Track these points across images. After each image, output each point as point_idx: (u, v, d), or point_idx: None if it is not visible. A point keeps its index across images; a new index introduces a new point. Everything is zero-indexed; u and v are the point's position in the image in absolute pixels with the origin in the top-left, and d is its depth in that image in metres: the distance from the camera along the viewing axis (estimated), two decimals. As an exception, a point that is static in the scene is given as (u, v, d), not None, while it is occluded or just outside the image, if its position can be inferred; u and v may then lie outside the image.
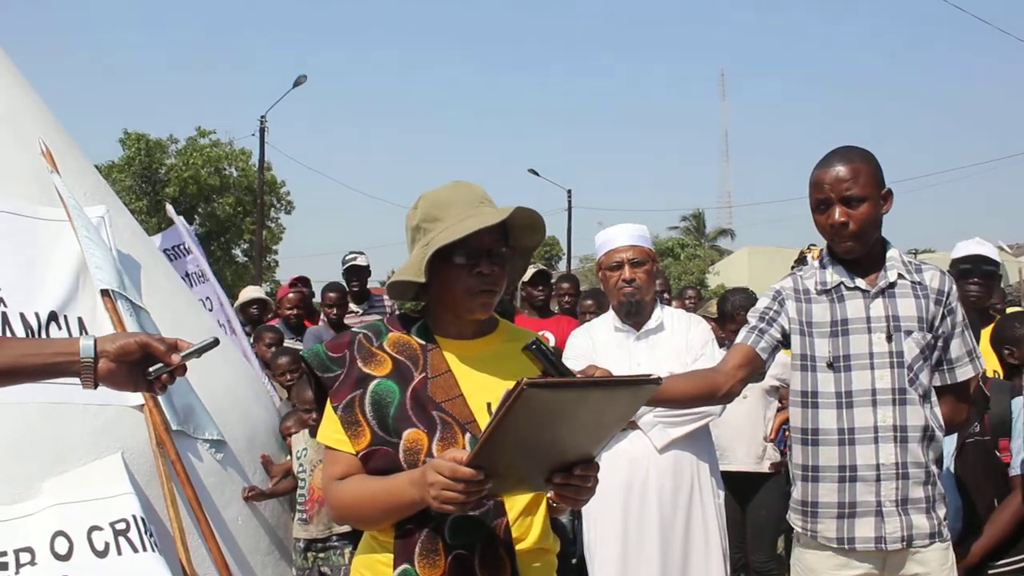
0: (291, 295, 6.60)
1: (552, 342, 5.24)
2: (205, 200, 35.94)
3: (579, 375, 1.85)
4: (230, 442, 3.76)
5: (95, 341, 1.68)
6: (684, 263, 38.63)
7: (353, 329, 2.01)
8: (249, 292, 7.50)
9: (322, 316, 6.46)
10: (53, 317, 3.35)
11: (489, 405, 1.88)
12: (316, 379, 1.93)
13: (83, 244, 3.60)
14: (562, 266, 48.17)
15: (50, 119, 4.18)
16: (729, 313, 4.87)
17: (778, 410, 4.77)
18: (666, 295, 6.14)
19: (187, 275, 5.20)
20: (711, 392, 2.65)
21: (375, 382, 1.89)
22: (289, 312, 6.46)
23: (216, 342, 1.73)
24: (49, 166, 3.77)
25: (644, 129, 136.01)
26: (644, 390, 1.61)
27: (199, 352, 1.72)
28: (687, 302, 6.91)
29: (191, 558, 3.18)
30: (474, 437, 1.82)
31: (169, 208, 5.44)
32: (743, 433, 4.72)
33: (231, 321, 5.13)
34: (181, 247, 5.25)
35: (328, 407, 1.90)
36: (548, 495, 1.88)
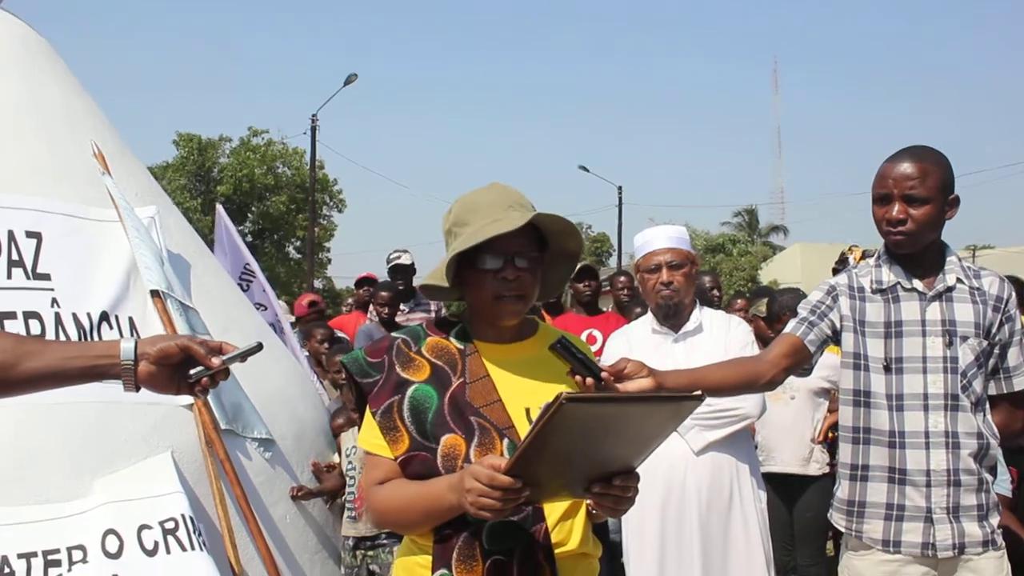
0: (310, 316, 6.85)
1: (599, 341, 5.20)
2: (258, 199, 36.50)
3: (607, 369, 1.84)
4: (278, 441, 3.79)
5: (136, 343, 1.67)
6: (736, 259, 38.25)
7: (392, 334, 2.01)
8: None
9: (370, 314, 6.49)
10: (104, 317, 3.39)
11: (528, 411, 1.87)
12: (356, 384, 1.93)
13: (133, 245, 3.65)
14: (612, 262, 48.05)
15: (103, 121, 4.24)
16: (776, 313, 4.78)
17: (830, 411, 4.67)
18: (716, 292, 6.02)
19: (240, 277, 5.24)
20: (752, 380, 2.57)
21: (413, 387, 1.89)
22: (307, 322, 6.59)
23: (260, 347, 1.73)
24: (101, 167, 3.82)
25: (696, 124, 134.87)
26: (686, 406, 1.58)
27: (242, 356, 1.71)
28: (738, 313, 6.69)
29: (239, 556, 3.20)
30: (512, 443, 1.81)
31: (219, 209, 5.49)
32: (790, 434, 4.62)
33: (280, 320, 5.17)
34: (247, 268, 5.27)
35: (368, 412, 1.90)
36: (587, 502, 1.86)
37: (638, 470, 1.68)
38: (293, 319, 7.46)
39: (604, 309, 6.23)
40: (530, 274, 1.91)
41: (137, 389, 1.69)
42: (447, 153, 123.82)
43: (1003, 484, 3.18)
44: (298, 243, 38.38)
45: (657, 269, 3.46)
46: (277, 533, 3.61)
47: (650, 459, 1.67)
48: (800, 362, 2.64)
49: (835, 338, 2.66)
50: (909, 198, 2.47)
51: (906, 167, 2.48)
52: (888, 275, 2.60)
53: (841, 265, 6.21)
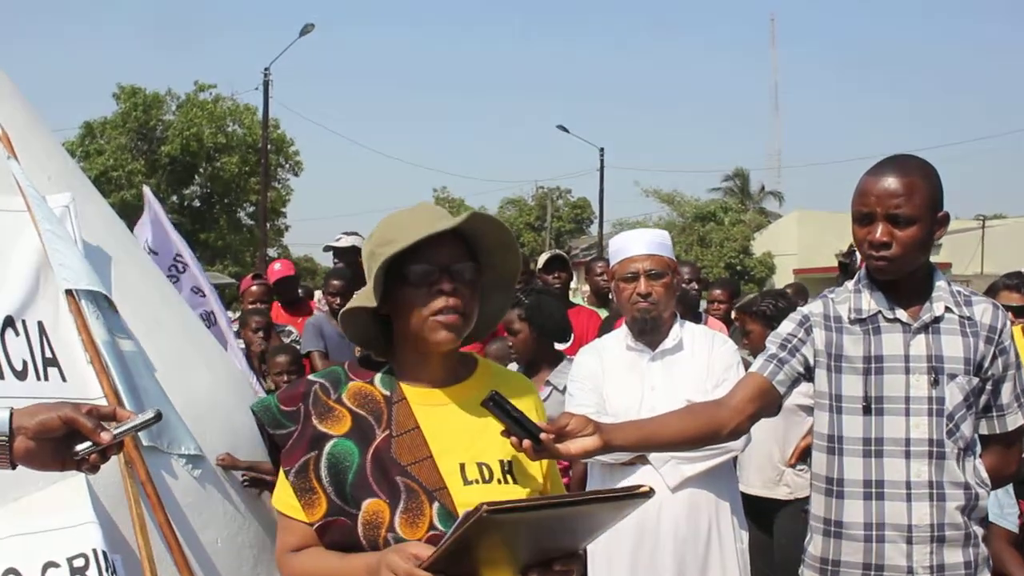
0: (254, 288, 6.54)
1: (570, 339, 5.14)
2: (207, 159, 36.15)
3: (547, 428, 1.78)
4: (209, 455, 3.69)
5: (11, 415, 1.59)
6: (727, 228, 38.33)
7: (310, 378, 1.92)
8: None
9: (317, 304, 6.38)
10: (9, 323, 3.27)
11: (463, 467, 1.79)
12: (269, 437, 1.85)
13: (45, 238, 3.52)
14: (593, 230, 48.09)
15: (11, 96, 4.08)
16: (746, 307, 4.78)
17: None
18: (694, 285, 5.96)
19: (171, 267, 5.10)
20: (714, 432, 2.48)
21: (331, 443, 1.80)
22: (252, 306, 6.36)
23: (158, 417, 1.63)
24: (6, 151, 3.68)
25: (685, 81, 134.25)
26: (631, 503, 1.51)
27: (136, 429, 1.63)
28: (716, 305, 6.67)
29: (161, 591, 3.12)
30: (443, 508, 1.73)
31: (147, 191, 5.35)
32: (758, 452, 4.50)
33: (215, 313, 5.04)
34: (179, 257, 5.12)
35: (281, 472, 1.82)
36: None
37: (584, 558, 1.62)
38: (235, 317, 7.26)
39: (578, 301, 6.17)
40: (467, 288, 1.83)
41: (13, 467, 1.61)
42: (416, 114, 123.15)
43: (1009, 518, 3.14)
44: (251, 208, 38.10)
45: (634, 278, 3.36)
46: (207, 560, 3.53)
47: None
48: (769, 405, 2.57)
49: (808, 375, 2.58)
50: (894, 218, 2.38)
51: (890, 183, 2.39)
52: (868, 303, 2.52)
53: (848, 259, 6.05)
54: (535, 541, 1.53)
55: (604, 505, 1.53)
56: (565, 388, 3.66)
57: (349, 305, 1.88)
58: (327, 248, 6.80)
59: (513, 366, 4.37)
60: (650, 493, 1.53)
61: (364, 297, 1.84)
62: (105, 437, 1.59)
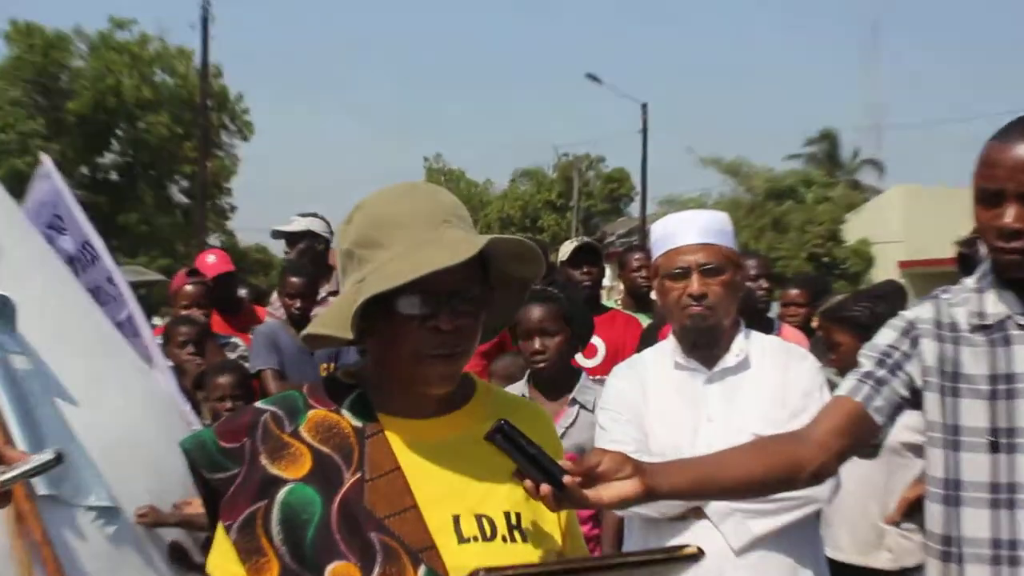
0: (189, 287, 6.48)
1: (601, 352, 5.14)
2: (128, 118, 36.39)
3: (572, 470, 1.78)
4: (127, 507, 3.72)
5: None
6: (810, 208, 38.33)
7: (258, 405, 1.92)
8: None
9: (271, 307, 6.40)
10: None
11: (457, 520, 1.80)
12: (203, 482, 1.85)
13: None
14: (633, 210, 48.23)
15: None
16: (833, 312, 4.78)
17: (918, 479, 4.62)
18: (764, 283, 5.93)
19: (71, 259, 5.13)
20: (791, 474, 2.47)
21: (286, 489, 1.80)
22: (184, 311, 6.36)
23: (59, 459, 1.63)
24: None
25: (753, 15, 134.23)
26: (674, 568, 1.52)
27: (30, 474, 1.63)
28: (794, 309, 6.66)
29: None
30: (431, 572, 1.73)
31: (45, 159, 5.37)
32: (851, 506, 4.45)
33: (134, 319, 5.05)
34: (59, 218, 5.16)
35: (219, 527, 1.82)
36: None
37: None
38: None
39: (611, 304, 6.17)
40: (472, 321, 1.84)
41: None
42: (401, 59, 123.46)
43: None
44: (186, 183, 38.35)
45: (684, 275, 3.34)
46: (124, 640, 3.56)
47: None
48: (862, 440, 2.56)
49: (914, 401, 2.58)
50: None
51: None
52: (995, 305, 2.51)
53: (969, 249, 6.03)
54: None
55: (637, 571, 1.53)
56: (595, 406, 3.67)
57: (315, 328, 1.89)
58: (276, 234, 6.82)
59: (518, 386, 4.36)
60: (698, 555, 1.53)
61: (335, 323, 1.84)
62: None
